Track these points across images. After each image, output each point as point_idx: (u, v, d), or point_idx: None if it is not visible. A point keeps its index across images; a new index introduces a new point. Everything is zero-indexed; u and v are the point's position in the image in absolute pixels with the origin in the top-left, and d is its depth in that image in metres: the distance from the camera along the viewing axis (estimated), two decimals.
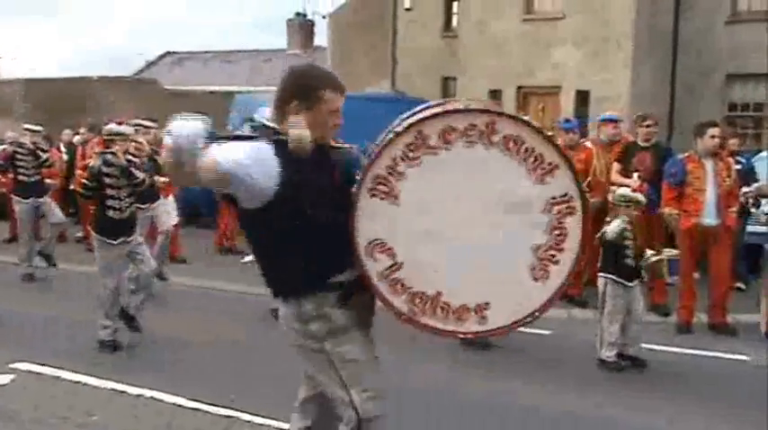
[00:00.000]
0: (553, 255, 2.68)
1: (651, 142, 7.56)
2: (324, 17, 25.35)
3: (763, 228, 8.14)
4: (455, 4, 20.20)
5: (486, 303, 2.71)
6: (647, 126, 7.56)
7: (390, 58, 21.03)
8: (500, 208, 2.65)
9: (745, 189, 7.45)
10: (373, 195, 2.64)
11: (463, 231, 2.67)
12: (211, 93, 22.17)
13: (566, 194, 2.64)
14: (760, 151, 9.48)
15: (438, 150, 2.62)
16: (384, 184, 2.64)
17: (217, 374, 5.56)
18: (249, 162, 2.53)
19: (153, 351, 6.14)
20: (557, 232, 2.66)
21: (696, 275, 7.03)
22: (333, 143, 2.86)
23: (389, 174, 2.63)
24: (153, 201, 8.03)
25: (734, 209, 6.78)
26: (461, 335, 2.79)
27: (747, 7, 17.75)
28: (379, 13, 21.61)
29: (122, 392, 5.12)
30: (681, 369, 5.83)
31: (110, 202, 6.03)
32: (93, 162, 6.13)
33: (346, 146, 2.89)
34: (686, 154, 6.85)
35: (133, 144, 6.70)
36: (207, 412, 4.76)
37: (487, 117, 2.61)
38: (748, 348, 6.24)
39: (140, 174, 6.25)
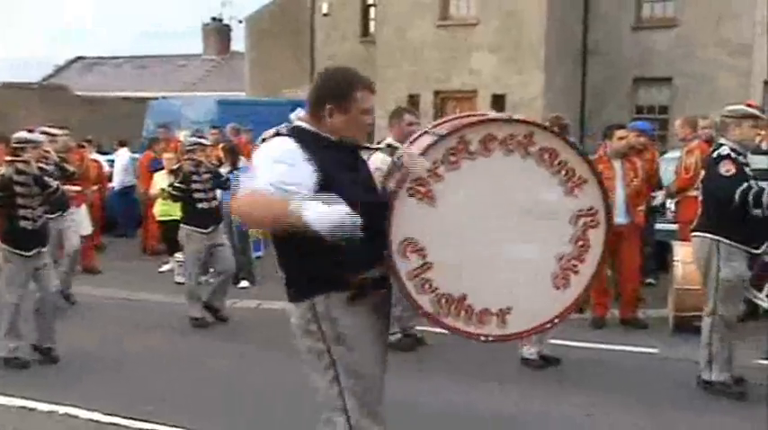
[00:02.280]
0: (575, 265, 2.81)
1: None
2: (240, 22, 25.07)
3: (671, 226, 8.49)
4: (372, 10, 20.33)
5: (509, 308, 2.81)
6: None
7: (308, 63, 20.99)
8: (530, 215, 2.77)
9: (654, 194, 7.76)
10: (411, 195, 2.74)
11: (494, 235, 2.77)
12: (124, 99, 21.60)
13: (591, 208, 2.79)
14: (665, 153, 9.88)
15: (477, 156, 2.74)
16: (423, 185, 2.73)
17: (132, 387, 5.42)
18: (293, 182, 2.57)
19: (65, 365, 5.92)
20: (580, 243, 2.80)
21: (608, 272, 7.27)
22: (365, 143, 2.97)
23: (429, 176, 2.73)
24: (62, 211, 7.76)
25: (642, 208, 7.05)
26: (482, 339, 2.85)
27: (651, 14, 18.51)
28: (296, 18, 21.56)
29: (33, 409, 4.94)
30: (596, 362, 6.02)
31: (22, 212, 5.79)
32: (3, 171, 5.87)
33: (379, 146, 2.97)
34: (596, 155, 7.08)
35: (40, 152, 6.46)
36: (124, 426, 4.64)
37: (527, 128, 2.75)
38: (658, 341, 6.49)
39: (53, 183, 6.03)
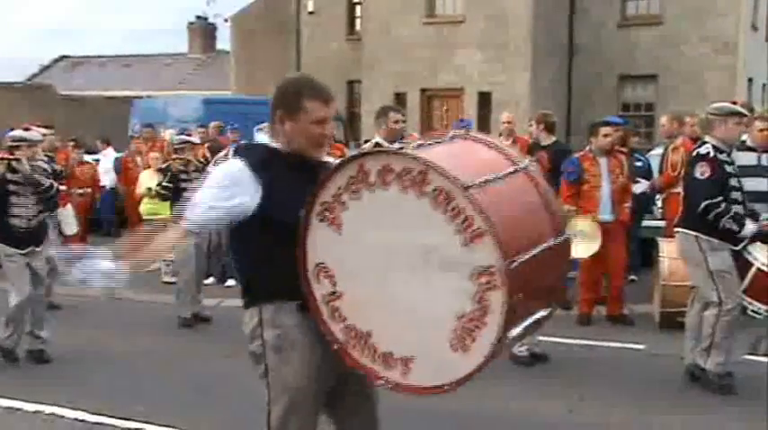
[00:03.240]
0: (476, 328, 2.41)
1: (546, 142, 7.80)
2: (226, 21, 24.97)
3: (657, 223, 8.55)
4: (358, 8, 20.31)
5: (411, 357, 2.54)
6: (530, 126, 7.81)
7: (294, 61, 20.94)
8: (430, 262, 2.45)
9: (638, 189, 7.79)
10: (321, 220, 2.61)
11: (394, 278, 2.52)
12: (109, 98, 21.48)
13: (490, 267, 2.34)
14: (651, 149, 9.93)
15: (376, 188, 2.50)
16: (329, 211, 2.59)
17: (119, 386, 5.40)
18: (224, 198, 2.64)
19: (51, 365, 5.89)
20: (479, 305, 2.39)
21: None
22: (322, 157, 2.82)
23: (334, 201, 2.58)
24: (51, 210, 7.70)
25: (627, 204, 7.09)
26: (383, 382, 2.60)
27: (636, 12, 18.60)
28: (282, 16, 21.50)
29: (19, 410, 4.90)
30: (583, 359, 6.05)
31: (16, 211, 5.77)
32: None
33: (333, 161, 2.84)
34: (581, 152, 7.11)
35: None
36: (111, 426, 4.61)
37: (421, 165, 2.41)
38: (643, 337, 6.54)
39: (46, 181, 5.99)
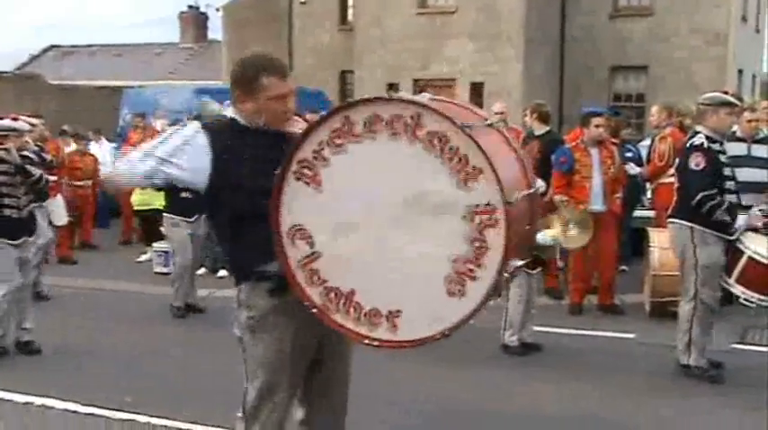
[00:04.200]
0: (471, 270, 2.38)
1: (540, 131, 7.81)
2: (217, 10, 24.84)
3: (647, 213, 8.57)
4: None
5: (398, 311, 2.49)
6: (524, 116, 7.82)
7: (286, 51, 20.86)
8: (420, 209, 2.42)
9: (632, 170, 7.83)
10: (298, 178, 2.54)
11: (381, 229, 2.47)
12: (99, 87, 21.35)
13: (488, 204, 2.34)
14: (642, 140, 9.95)
15: (363, 139, 2.45)
16: (309, 169, 2.52)
17: (110, 377, 5.38)
18: (173, 155, 2.64)
19: (41, 356, 5.87)
20: (477, 244, 2.37)
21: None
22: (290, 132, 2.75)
23: (315, 158, 2.51)
24: (42, 200, 7.66)
25: (618, 195, 7.11)
26: (367, 342, 2.53)
27: (627, 3, 18.60)
28: (274, 6, 21.41)
29: (9, 401, 4.88)
30: (574, 348, 6.07)
31: (6, 201, 5.72)
32: None
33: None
34: (573, 143, 7.12)
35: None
36: (102, 417, 4.60)
37: (414, 108, 2.39)
38: (634, 326, 6.57)
39: (36, 171, 5.95)
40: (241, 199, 2.62)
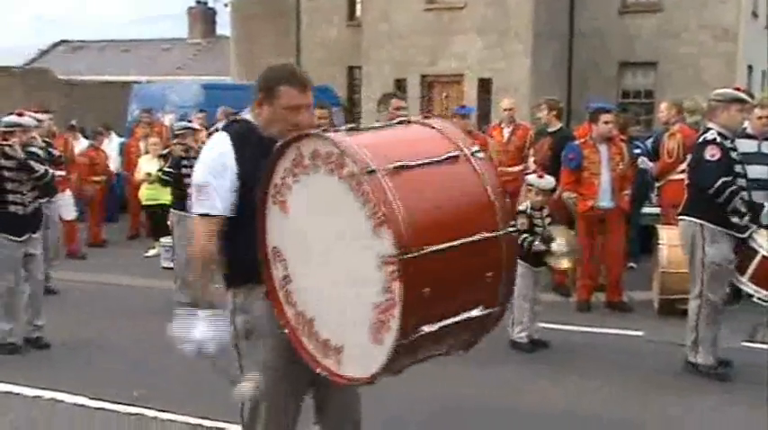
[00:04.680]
0: (387, 320, 2.29)
1: (554, 128, 7.80)
2: (226, 5, 24.80)
3: (656, 210, 8.54)
4: None
5: (342, 346, 2.49)
6: (540, 111, 7.80)
7: (294, 47, 20.84)
8: (349, 250, 2.38)
9: (642, 164, 7.83)
10: (274, 203, 2.62)
11: (324, 265, 2.49)
12: (108, 83, 21.39)
13: (392, 256, 2.22)
14: (649, 137, 9.90)
15: (310, 171, 2.48)
16: (279, 194, 2.60)
17: (119, 372, 5.41)
18: (217, 184, 2.74)
19: (50, 350, 5.90)
20: (388, 295, 2.27)
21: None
22: None
23: (282, 184, 2.58)
24: (50, 196, 7.68)
25: (627, 192, 7.08)
26: (318, 370, 2.55)
27: None
28: (282, 2, 21.37)
29: (18, 394, 4.91)
30: (581, 345, 6.06)
31: (11, 197, 5.72)
32: None
33: None
34: (582, 139, 7.10)
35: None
36: (111, 411, 4.62)
37: (337, 148, 2.36)
38: (642, 324, 6.55)
39: (40, 167, 5.94)
40: (248, 200, 2.67)
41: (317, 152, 2.45)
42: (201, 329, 2.71)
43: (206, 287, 2.79)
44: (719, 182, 4.88)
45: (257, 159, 2.68)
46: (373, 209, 2.26)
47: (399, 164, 2.30)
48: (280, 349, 2.72)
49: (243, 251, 2.74)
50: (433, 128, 2.56)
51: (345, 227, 2.38)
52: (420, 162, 2.36)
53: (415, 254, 2.19)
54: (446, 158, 2.43)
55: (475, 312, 2.42)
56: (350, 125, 2.61)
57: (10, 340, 5.83)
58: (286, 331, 2.63)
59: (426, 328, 2.29)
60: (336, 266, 2.45)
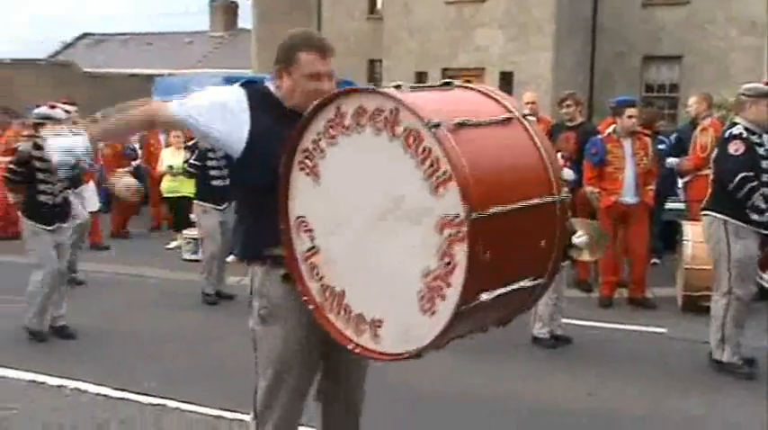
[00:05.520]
0: (441, 288, 2.16)
1: (575, 122, 7.72)
2: None
3: (679, 205, 8.46)
4: None
5: (380, 320, 2.35)
6: (567, 106, 7.72)
7: None
8: (396, 214, 2.23)
9: (670, 163, 7.77)
10: (301, 169, 2.46)
11: (362, 232, 2.32)
12: (131, 75, 21.54)
13: (457, 216, 2.08)
14: (674, 132, 9.80)
15: (351, 132, 2.31)
16: (309, 159, 2.43)
17: (141, 363, 5.44)
18: (211, 111, 2.60)
19: (75, 340, 5.95)
20: (446, 260, 2.13)
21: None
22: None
23: (314, 149, 2.42)
24: (75, 187, 7.73)
25: (651, 187, 7.01)
26: (351, 346, 2.43)
27: None
28: None
29: (42, 384, 4.96)
30: (603, 342, 6.01)
31: (42, 187, 5.82)
32: (22, 146, 5.91)
33: None
34: (605, 134, 7.03)
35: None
36: (133, 401, 4.65)
37: (393, 102, 2.20)
38: (665, 321, 6.48)
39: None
40: (266, 172, 2.53)
41: (362, 109, 2.28)
42: (70, 139, 2.77)
43: (106, 130, 2.83)
44: (739, 177, 4.83)
45: (273, 123, 2.57)
46: (434, 166, 2.11)
47: (460, 120, 2.17)
48: (295, 335, 2.65)
49: (262, 226, 2.62)
50: (480, 91, 2.48)
51: (393, 190, 2.23)
52: (479, 121, 2.25)
53: (483, 214, 2.06)
54: (502, 120, 2.34)
55: (524, 282, 2.30)
56: (395, 83, 2.34)
57: (61, 323, 5.98)
58: (311, 307, 2.51)
59: (485, 296, 2.15)
60: (377, 234, 2.29)
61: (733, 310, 4.98)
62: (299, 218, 2.49)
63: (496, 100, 2.43)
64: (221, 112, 2.59)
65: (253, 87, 2.70)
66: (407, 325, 2.27)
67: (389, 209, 2.25)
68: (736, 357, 5.06)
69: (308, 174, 2.45)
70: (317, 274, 2.48)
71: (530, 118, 2.41)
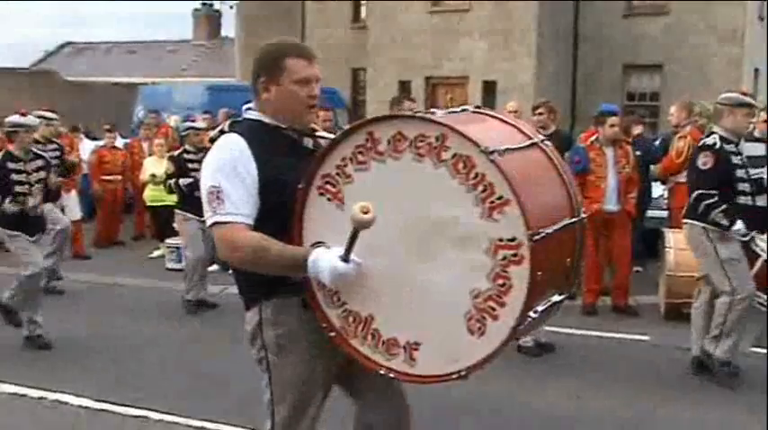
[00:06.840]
0: (493, 308, 2.23)
1: (549, 130, 7.74)
2: (231, 7, 24.87)
3: (661, 213, 8.51)
4: None
5: (417, 343, 2.36)
6: (539, 114, 7.71)
7: None
8: (442, 237, 2.27)
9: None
10: (321, 194, 2.44)
11: (402, 254, 2.34)
12: (114, 84, 21.44)
13: (513, 239, 2.17)
14: (656, 139, 9.87)
15: (386, 158, 2.32)
16: (332, 185, 2.42)
17: (123, 373, 5.40)
18: (239, 190, 2.42)
19: (54, 351, 5.88)
20: (500, 282, 2.21)
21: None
22: (315, 128, 2.61)
23: (338, 174, 2.40)
24: (53, 201, 7.57)
25: (633, 195, 7.05)
26: (383, 372, 2.42)
27: (642, 1, 18.47)
28: (287, 3, 21.40)
29: (23, 396, 4.91)
30: (587, 349, 6.04)
31: (20, 198, 5.76)
32: None
33: (331, 136, 2.58)
34: (587, 142, 7.07)
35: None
36: (114, 413, 4.62)
37: (439, 129, 2.25)
38: (648, 328, 6.52)
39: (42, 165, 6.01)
40: (277, 207, 2.46)
41: (401, 135, 2.30)
42: None
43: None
44: (696, 193, 4.91)
45: (279, 157, 2.48)
46: (485, 192, 2.20)
47: (505, 147, 2.25)
48: (316, 360, 2.57)
49: None
50: (495, 116, 2.56)
51: (437, 215, 2.27)
52: (516, 146, 2.34)
53: (538, 236, 2.17)
54: (529, 145, 2.44)
55: (555, 297, 2.42)
56: (423, 110, 2.36)
57: (38, 332, 5.89)
58: (331, 334, 2.47)
59: (533, 315, 2.25)
60: (416, 258, 2.32)
61: (736, 310, 4.93)
62: (316, 244, 2.43)
63: (515, 126, 2.53)
64: (241, 181, 2.45)
65: (245, 129, 2.56)
66: (452, 346, 2.31)
67: (433, 232, 2.30)
68: (728, 355, 5.03)
69: (329, 199, 2.44)
70: (338, 300, 2.47)
71: (547, 142, 2.54)
